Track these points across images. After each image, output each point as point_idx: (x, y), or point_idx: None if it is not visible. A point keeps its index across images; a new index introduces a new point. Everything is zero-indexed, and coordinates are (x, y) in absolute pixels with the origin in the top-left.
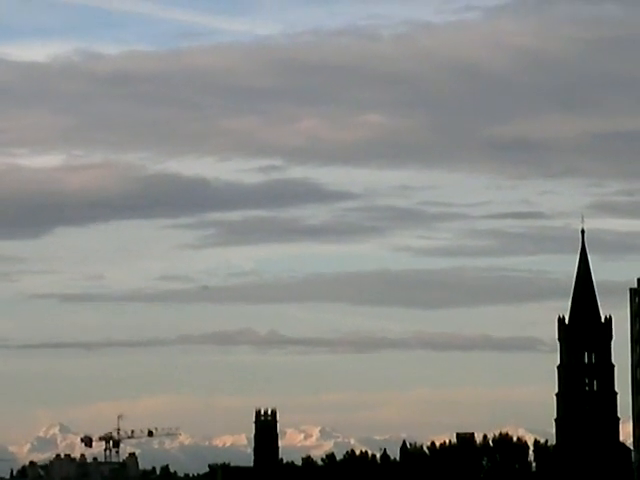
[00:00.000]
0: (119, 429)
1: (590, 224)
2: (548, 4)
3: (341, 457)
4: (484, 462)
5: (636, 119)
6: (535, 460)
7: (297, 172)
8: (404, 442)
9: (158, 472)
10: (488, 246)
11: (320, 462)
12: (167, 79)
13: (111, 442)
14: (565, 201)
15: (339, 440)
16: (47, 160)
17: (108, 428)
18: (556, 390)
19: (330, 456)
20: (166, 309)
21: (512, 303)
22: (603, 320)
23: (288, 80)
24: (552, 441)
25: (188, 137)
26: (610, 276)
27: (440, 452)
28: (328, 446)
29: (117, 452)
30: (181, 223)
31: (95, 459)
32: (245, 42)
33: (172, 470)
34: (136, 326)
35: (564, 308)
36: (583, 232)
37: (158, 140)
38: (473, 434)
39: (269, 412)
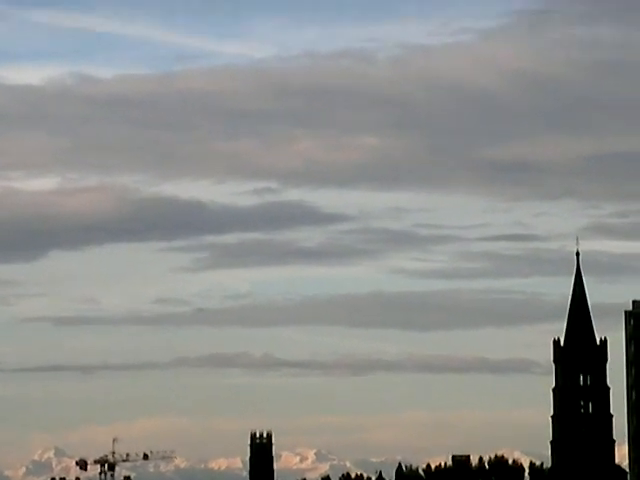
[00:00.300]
0: (114, 452)
1: (585, 246)
2: (543, 26)
3: None
4: None
5: (631, 141)
6: None
7: (292, 195)
8: (400, 464)
9: None
10: (483, 268)
11: None
12: (162, 102)
13: (106, 465)
14: (560, 223)
15: (335, 463)
16: (42, 183)
17: (103, 451)
18: (551, 412)
19: (326, 479)
20: (161, 332)
21: (507, 325)
22: (598, 342)
23: (283, 103)
24: (548, 463)
25: (183, 160)
26: (605, 298)
27: (436, 474)
28: (324, 469)
29: (112, 475)
30: (176, 246)
31: None
32: (240, 65)
33: None
34: (131, 349)
35: (559, 330)
36: (578, 254)
37: (153, 163)
38: (469, 456)
39: (264, 435)
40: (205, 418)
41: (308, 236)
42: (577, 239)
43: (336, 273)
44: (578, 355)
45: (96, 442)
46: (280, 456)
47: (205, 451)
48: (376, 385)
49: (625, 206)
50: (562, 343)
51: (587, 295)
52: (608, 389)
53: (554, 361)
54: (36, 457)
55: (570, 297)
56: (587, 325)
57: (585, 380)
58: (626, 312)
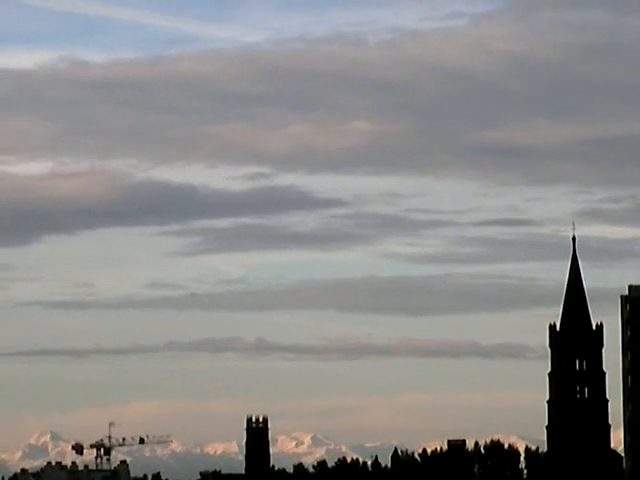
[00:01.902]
0: (110, 437)
1: (579, 231)
2: (534, 10)
3: (332, 464)
4: (475, 469)
5: (623, 125)
6: (526, 467)
7: (285, 179)
8: (395, 449)
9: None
10: (476, 253)
11: (311, 469)
12: (153, 86)
13: (102, 450)
14: (553, 208)
15: (330, 447)
16: (34, 167)
17: (99, 436)
18: (547, 397)
19: (321, 463)
20: (154, 316)
21: (500, 310)
22: (594, 327)
23: (275, 87)
24: (543, 448)
25: (175, 144)
26: (601, 283)
27: (431, 459)
28: (319, 453)
29: (108, 460)
30: (169, 230)
31: (86, 467)
32: (231, 49)
33: (164, 478)
34: (124, 333)
35: (553, 315)
36: (574, 239)
37: (145, 147)
38: (464, 441)
39: (260, 419)
40: (200, 402)
41: (301, 221)
42: (573, 224)
43: (329, 258)
44: (574, 340)
45: (92, 426)
46: (276, 441)
47: (201, 435)
48: (370, 369)
49: (618, 191)
50: (558, 328)
51: (583, 280)
52: (604, 374)
53: (550, 346)
54: (32, 441)
55: (566, 282)
56: (583, 310)
57: (581, 365)
58: (622, 297)
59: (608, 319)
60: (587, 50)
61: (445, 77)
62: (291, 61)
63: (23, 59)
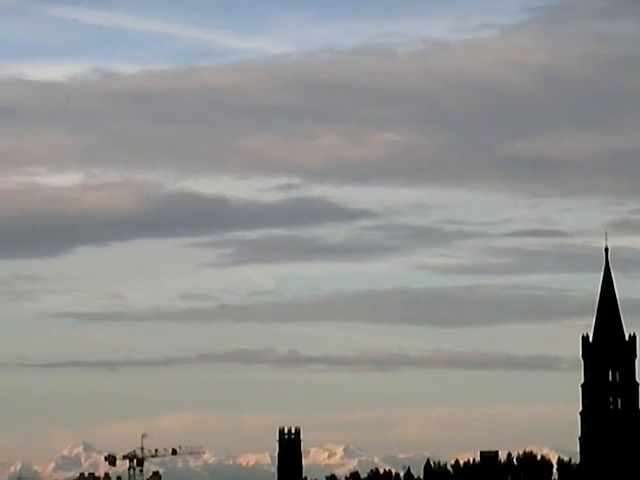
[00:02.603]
0: (143, 448)
1: (611, 242)
2: (563, 22)
3: (365, 475)
4: None
5: None
6: (559, 479)
7: (316, 190)
8: (428, 460)
9: None
10: (507, 264)
11: None
12: (184, 98)
13: (135, 461)
14: (584, 219)
15: (363, 458)
16: (65, 179)
17: (132, 447)
18: (580, 408)
19: (354, 474)
20: (186, 328)
21: (532, 321)
22: (627, 338)
23: (305, 98)
24: (576, 460)
25: (206, 156)
26: (634, 294)
27: (464, 471)
28: (352, 464)
29: (141, 471)
30: (201, 242)
31: (119, 478)
32: (261, 61)
33: None
34: (156, 345)
35: (585, 326)
36: (607, 250)
37: (176, 159)
38: (497, 452)
39: (293, 430)
40: (233, 414)
41: (332, 232)
42: (606, 235)
43: (360, 269)
44: (607, 351)
45: (124, 437)
46: (308, 452)
47: (233, 447)
48: (402, 381)
49: None
50: (591, 339)
51: (616, 291)
52: (637, 385)
53: (583, 357)
54: (65, 452)
55: (599, 293)
56: (616, 321)
57: (614, 376)
58: None
59: None
60: (616, 61)
61: (474, 88)
62: (321, 73)
63: (54, 71)
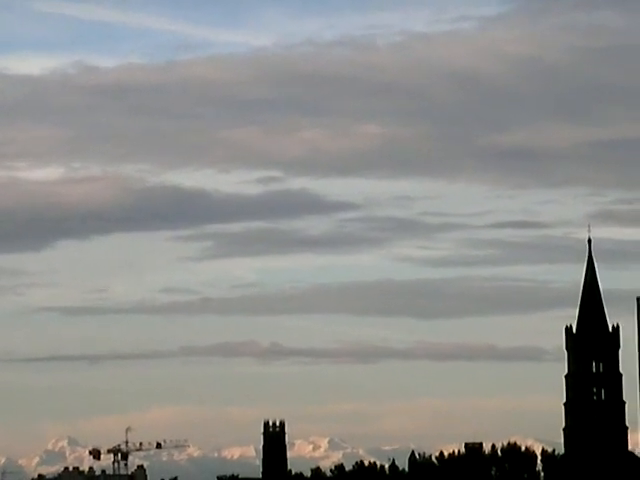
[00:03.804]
0: (127, 441)
1: (593, 233)
2: (544, 13)
3: (350, 468)
4: (493, 472)
5: (635, 127)
6: (543, 470)
7: (297, 183)
8: (412, 452)
9: None
10: (490, 256)
11: (329, 473)
12: (164, 91)
13: (120, 455)
14: (566, 210)
15: (348, 451)
16: (46, 173)
17: (116, 441)
18: (564, 399)
19: (339, 467)
20: (168, 321)
21: (515, 313)
22: (611, 329)
23: (285, 91)
24: (560, 450)
25: (187, 149)
26: (616, 285)
27: (449, 462)
28: (337, 457)
29: (126, 465)
30: (182, 235)
31: (104, 472)
32: (241, 53)
33: None
34: (138, 338)
35: (568, 317)
36: (590, 241)
37: (156, 152)
38: (481, 444)
39: (277, 423)
40: (217, 407)
41: (314, 225)
42: (589, 226)
43: (342, 261)
44: (590, 342)
45: (109, 431)
46: (293, 444)
47: (218, 440)
48: (386, 373)
49: (630, 193)
50: (574, 330)
51: (599, 282)
52: (620, 376)
53: (566, 348)
54: (50, 447)
55: (582, 284)
56: (599, 312)
57: (597, 367)
58: (638, 298)
59: (624, 321)
60: (598, 52)
61: (455, 80)
62: (302, 65)
63: (34, 65)
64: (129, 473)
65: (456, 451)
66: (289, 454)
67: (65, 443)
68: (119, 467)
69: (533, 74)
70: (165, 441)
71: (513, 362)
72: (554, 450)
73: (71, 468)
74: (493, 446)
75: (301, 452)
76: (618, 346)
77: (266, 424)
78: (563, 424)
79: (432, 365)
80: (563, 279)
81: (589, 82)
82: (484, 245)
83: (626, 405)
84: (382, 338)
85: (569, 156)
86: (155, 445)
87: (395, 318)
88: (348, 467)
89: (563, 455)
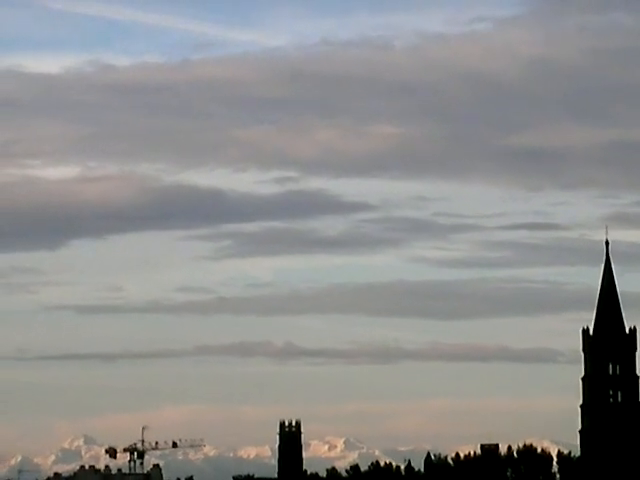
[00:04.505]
0: (143, 440)
1: (609, 235)
2: (559, 14)
3: (365, 468)
4: (508, 473)
5: None
6: (559, 471)
7: (312, 183)
8: (428, 453)
9: None
10: (504, 257)
11: (344, 473)
12: (180, 90)
13: (136, 453)
14: (581, 212)
15: (363, 451)
16: (62, 171)
17: (132, 439)
18: (580, 401)
19: (354, 467)
20: (184, 320)
21: (529, 314)
22: (628, 331)
23: (301, 91)
24: (576, 452)
25: (203, 148)
26: (633, 287)
27: (464, 463)
28: (352, 457)
29: (142, 463)
30: (197, 234)
31: (119, 470)
32: (256, 53)
33: None
34: (153, 337)
35: (583, 319)
36: (607, 243)
37: (173, 151)
38: (497, 445)
39: (293, 423)
40: (233, 406)
41: (329, 225)
42: (607, 228)
43: (358, 262)
44: (607, 344)
45: (125, 430)
46: (309, 445)
47: (234, 439)
48: (400, 373)
49: None
50: (591, 332)
51: (616, 284)
52: (637, 378)
53: (583, 350)
54: (66, 445)
55: (599, 286)
56: (616, 314)
57: (614, 369)
58: None
59: None
60: (612, 53)
61: (471, 81)
62: (316, 65)
63: (49, 63)
64: (145, 472)
65: (472, 452)
66: (305, 454)
67: (81, 442)
68: (135, 466)
69: (548, 75)
70: (181, 440)
71: (527, 364)
72: (570, 452)
73: (87, 467)
74: (509, 447)
75: (317, 452)
76: (635, 348)
77: (282, 424)
78: (579, 426)
79: (445, 366)
80: (578, 281)
81: (604, 83)
82: (499, 246)
83: None
84: (395, 339)
85: (584, 157)
86: (171, 444)
87: (410, 319)
88: (364, 467)
89: (579, 457)
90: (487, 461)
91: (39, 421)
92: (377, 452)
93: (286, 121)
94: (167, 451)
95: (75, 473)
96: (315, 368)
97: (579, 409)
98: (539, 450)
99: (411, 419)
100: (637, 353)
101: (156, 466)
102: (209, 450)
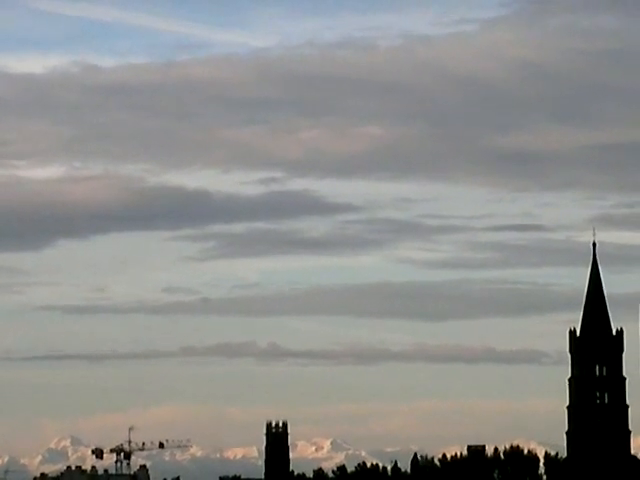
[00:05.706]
0: (130, 441)
1: (595, 237)
2: (545, 15)
3: (352, 469)
4: (495, 474)
5: (635, 130)
6: (546, 473)
7: (297, 184)
8: (415, 454)
9: None
10: (489, 258)
11: (331, 474)
12: (165, 91)
13: (122, 454)
14: (566, 213)
15: (350, 452)
16: (47, 172)
17: (119, 440)
18: (567, 403)
19: (341, 468)
20: (169, 321)
21: (516, 315)
22: (614, 333)
23: (286, 92)
24: (563, 454)
25: (188, 149)
26: (620, 289)
27: (451, 464)
28: (339, 458)
29: (128, 464)
30: (183, 235)
31: (106, 471)
32: (242, 54)
33: None
34: (139, 338)
35: (569, 321)
36: (594, 245)
37: (157, 152)
38: (484, 446)
39: (280, 424)
40: (219, 407)
41: (314, 226)
42: (594, 230)
43: (342, 263)
44: (594, 345)
45: (112, 431)
46: (296, 445)
47: (221, 440)
48: (385, 375)
49: (630, 197)
50: (578, 333)
51: (603, 285)
52: (624, 379)
53: (570, 351)
54: (52, 445)
55: (586, 287)
56: (603, 315)
57: (601, 370)
58: None
59: (628, 325)
60: (599, 55)
61: (456, 82)
62: (303, 66)
63: (34, 63)
64: (132, 473)
65: (459, 453)
66: (291, 455)
67: (68, 442)
68: (122, 466)
69: (533, 77)
70: (168, 441)
71: (514, 365)
72: (557, 453)
73: (74, 467)
74: (496, 449)
75: (303, 453)
76: (622, 350)
77: (269, 425)
78: (566, 427)
79: (431, 367)
80: (564, 282)
81: (589, 85)
82: (485, 248)
83: (629, 409)
84: (382, 340)
85: (570, 159)
86: (158, 445)
87: (396, 320)
88: (350, 468)
89: (566, 458)
90: (474, 462)
91: (25, 422)
92: (364, 453)
93: (271, 122)
94: (154, 452)
95: (62, 473)
96: (301, 369)
97: (566, 410)
98: (526, 451)
99: (398, 420)
100: (624, 355)
101: (143, 467)
102: (196, 451)
